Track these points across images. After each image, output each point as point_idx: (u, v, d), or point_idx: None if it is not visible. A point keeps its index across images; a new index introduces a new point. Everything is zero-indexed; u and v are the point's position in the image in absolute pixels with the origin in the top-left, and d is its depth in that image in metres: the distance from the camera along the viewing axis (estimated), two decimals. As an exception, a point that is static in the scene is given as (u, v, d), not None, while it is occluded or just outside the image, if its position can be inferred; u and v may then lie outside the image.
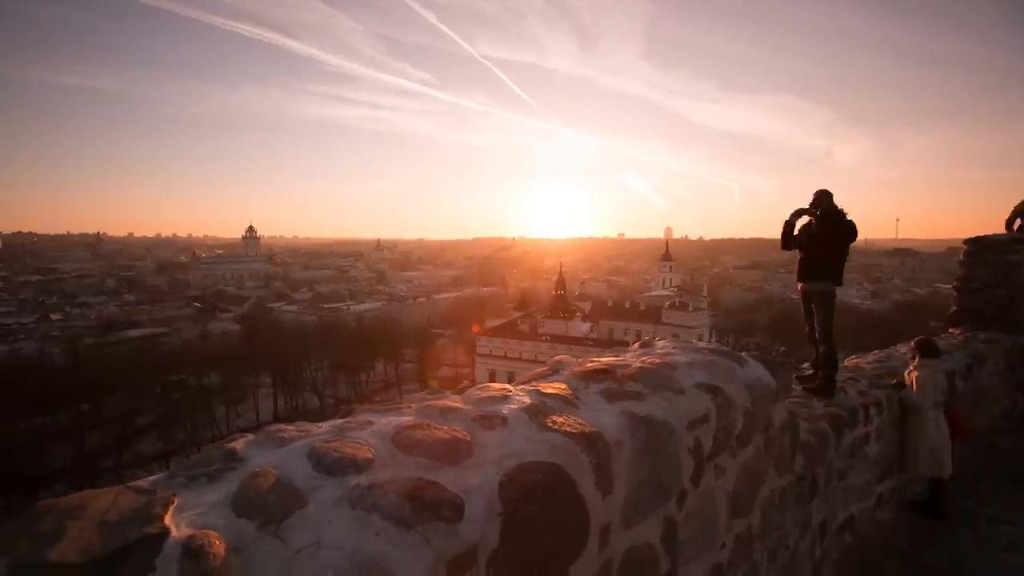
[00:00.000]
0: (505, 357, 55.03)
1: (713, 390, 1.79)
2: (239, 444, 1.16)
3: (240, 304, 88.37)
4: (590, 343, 51.61)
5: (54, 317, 70.41)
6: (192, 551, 0.75)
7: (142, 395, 45.14)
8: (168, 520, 0.83)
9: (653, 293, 78.53)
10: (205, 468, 1.04)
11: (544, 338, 55.13)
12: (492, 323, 60.56)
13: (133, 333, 63.00)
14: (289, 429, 1.22)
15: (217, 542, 0.78)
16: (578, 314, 61.16)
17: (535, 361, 51.30)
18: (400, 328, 63.51)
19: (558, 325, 57.59)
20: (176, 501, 0.90)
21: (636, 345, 2.44)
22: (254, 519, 0.85)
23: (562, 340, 53.95)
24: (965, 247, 6.91)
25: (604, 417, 1.40)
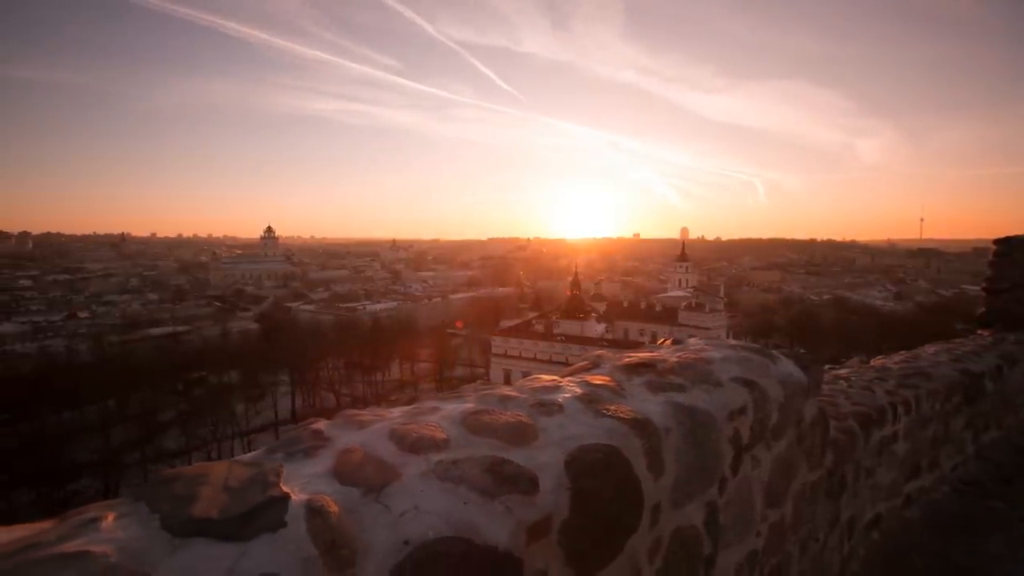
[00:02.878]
0: (520, 357, 55.12)
1: (749, 384, 1.87)
2: (322, 426, 1.27)
3: (259, 303, 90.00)
4: (605, 344, 51.46)
5: (81, 315, 72.56)
6: (315, 509, 0.86)
7: (165, 392, 46.25)
8: (283, 487, 0.94)
9: (669, 294, 77.98)
10: (299, 445, 1.15)
11: (559, 338, 55.09)
12: (507, 323, 60.68)
13: (156, 331, 64.59)
14: (364, 414, 1.34)
15: (333, 504, 0.89)
16: (593, 315, 60.97)
17: (550, 361, 51.35)
18: (415, 328, 64.05)
19: (573, 326, 57.51)
20: (283, 472, 1.02)
21: (668, 342, 2.53)
22: (357, 487, 0.96)
23: (577, 341, 53.88)
24: (994, 247, 6.82)
25: (650, 406, 1.49)
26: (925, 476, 4.04)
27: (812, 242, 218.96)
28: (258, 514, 0.85)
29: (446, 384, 52.90)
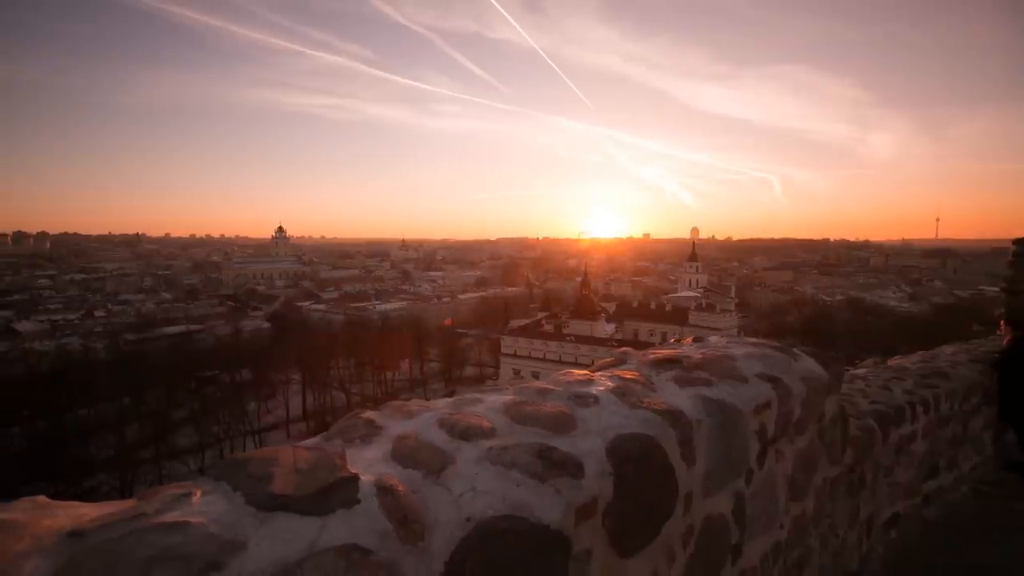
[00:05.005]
0: (530, 357, 55.19)
1: (773, 380, 1.92)
2: (373, 415, 1.35)
3: (270, 303, 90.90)
4: (615, 344, 51.29)
5: (98, 314, 73.81)
6: (385, 488, 0.94)
7: (178, 390, 46.83)
8: (350, 468, 1.02)
9: (679, 294, 77.54)
10: (355, 433, 1.23)
11: (569, 339, 55.06)
12: (516, 323, 60.76)
13: (170, 330, 65.41)
14: (411, 404, 1.41)
15: (399, 483, 0.97)
16: (603, 315, 60.86)
17: (559, 361, 51.34)
18: (425, 327, 64.36)
19: (583, 326, 57.43)
20: (346, 456, 1.09)
21: (689, 339, 2.58)
22: (418, 470, 1.04)
23: (587, 341, 53.82)
24: (1014, 247, 6.76)
25: (680, 399, 1.55)
26: (944, 476, 4.05)
27: (825, 242, 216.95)
28: (333, 492, 0.93)
29: (456, 384, 53.09)
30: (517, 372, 52.12)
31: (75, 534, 0.82)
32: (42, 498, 0.99)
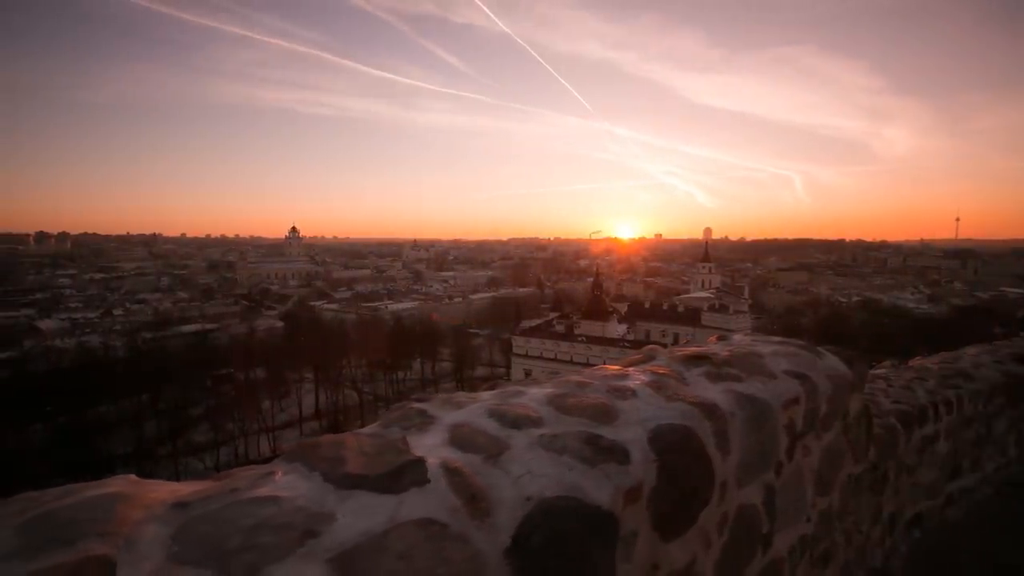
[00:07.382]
0: (541, 357, 55.18)
1: (801, 376, 1.97)
2: (424, 406, 1.43)
3: (284, 302, 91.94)
4: (627, 344, 51.15)
5: (116, 312, 75.25)
6: (452, 469, 1.02)
7: (194, 387, 47.52)
8: (415, 452, 1.10)
9: (692, 295, 76.97)
10: (411, 422, 1.31)
11: (580, 339, 54.96)
12: (528, 323, 60.81)
13: (186, 329, 66.47)
14: (458, 396, 1.49)
15: (464, 466, 1.04)
16: (614, 315, 60.64)
17: (571, 362, 51.28)
18: (436, 327, 64.67)
19: (594, 326, 57.28)
20: (408, 442, 1.17)
21: (715, 338, 2.63)
22: (477, 454, 1.11)
23: (599, 341, 53.69)
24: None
25: (713, 394, 1.61)
26: (967, 476, 4.04)
27: (840, 242, 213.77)
28: (404, 472, 1.01)
29: (467, 384, 53.31)
30: (528, 372, 52.12)
31: (179, 505, 0.91)
32: (133, 476, 1.09)
